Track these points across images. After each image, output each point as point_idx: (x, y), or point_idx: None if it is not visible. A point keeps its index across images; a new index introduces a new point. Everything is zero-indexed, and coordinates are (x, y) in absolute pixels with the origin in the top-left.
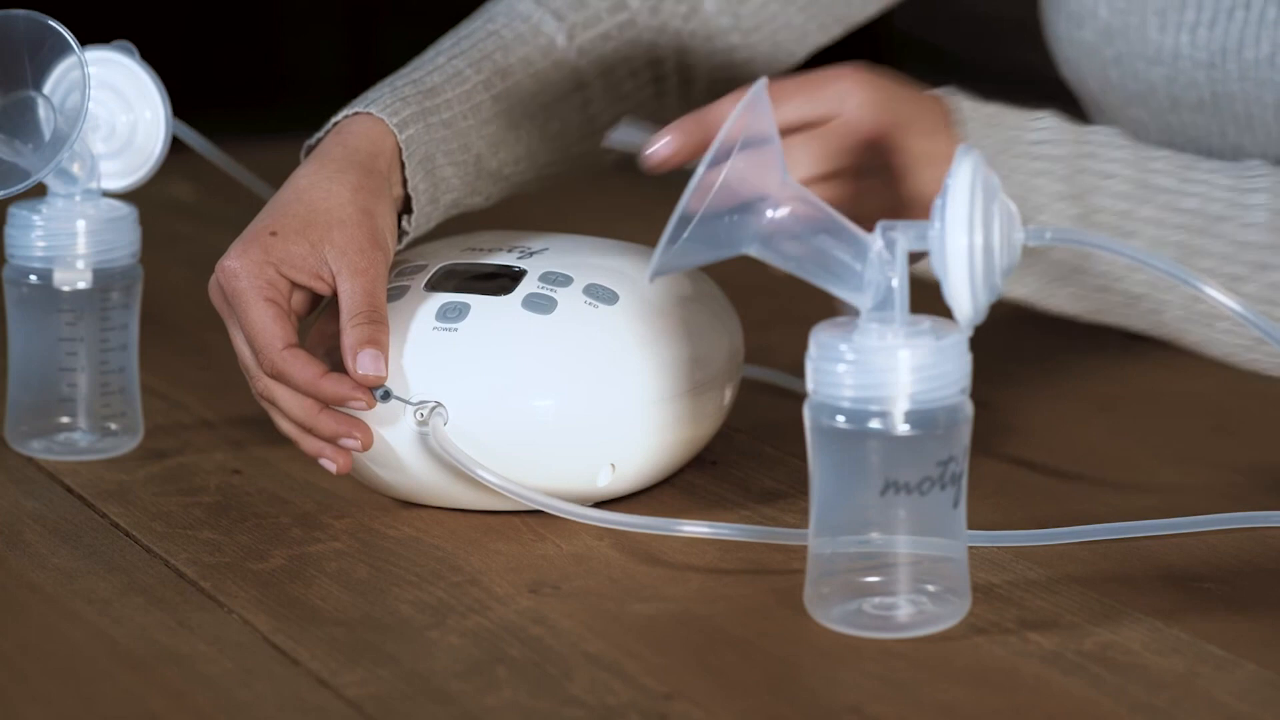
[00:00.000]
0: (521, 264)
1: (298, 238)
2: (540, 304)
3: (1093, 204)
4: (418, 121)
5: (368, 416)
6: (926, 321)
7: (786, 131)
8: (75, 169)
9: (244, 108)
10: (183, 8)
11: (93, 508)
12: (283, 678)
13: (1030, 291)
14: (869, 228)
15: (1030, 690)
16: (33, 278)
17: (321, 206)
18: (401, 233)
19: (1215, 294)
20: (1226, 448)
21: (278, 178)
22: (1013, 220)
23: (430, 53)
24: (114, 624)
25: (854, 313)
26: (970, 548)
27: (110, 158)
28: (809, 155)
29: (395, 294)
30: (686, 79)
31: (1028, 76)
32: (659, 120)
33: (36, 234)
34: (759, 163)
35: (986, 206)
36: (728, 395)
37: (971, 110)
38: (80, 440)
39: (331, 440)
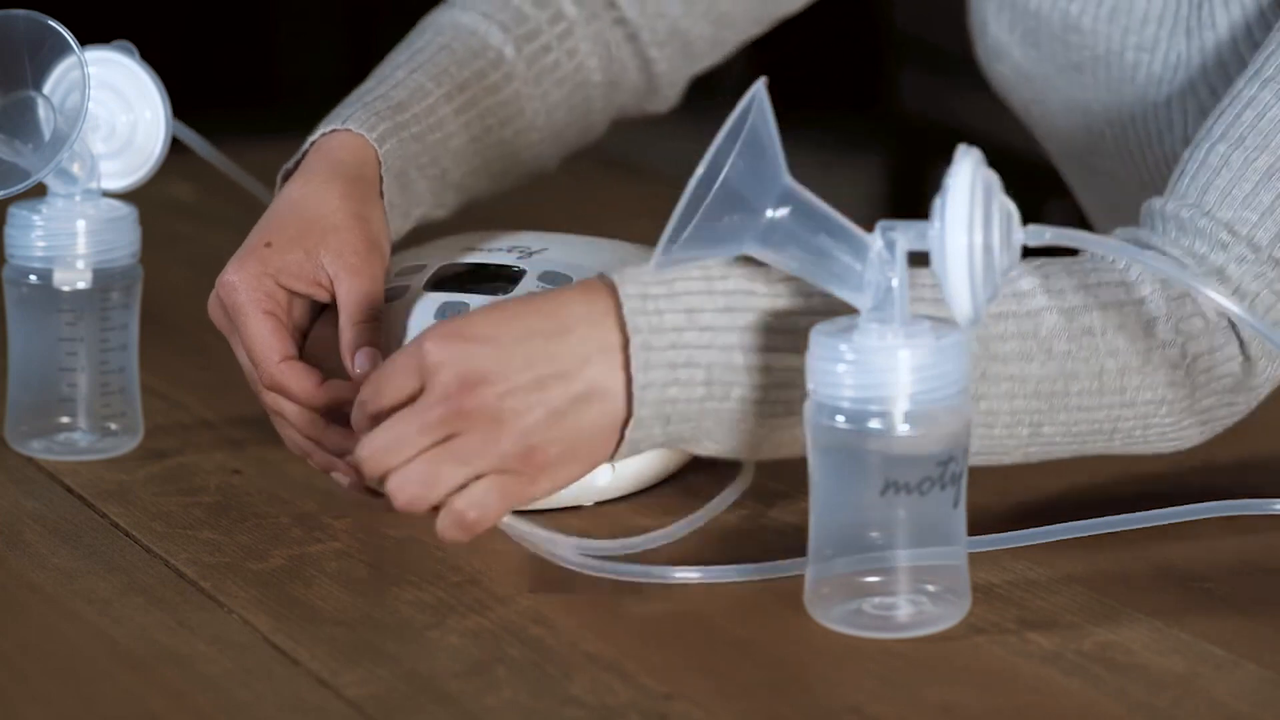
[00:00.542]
0: (520, 264)
1: (293, 246)
2: None
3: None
4: (392, 136)
5: None
6: (926, 321)
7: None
8: (75, 169)
9: (243, 108)
10: (183, 8)
11: (93, 508)
12: (283, 678)
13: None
14: None
15: (1030, 690)
16: (33, 278)
17: (315, 215)
18: None
19: (1216, 296)
20: (1219, 442)
21: (276, 178)
22: (1012, 220)
23: (387, 68)
24: (114, 624)
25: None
26: (970, 548)
27: (110, 158)
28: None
29: (395, 294)
30: (651, 73)
31: None
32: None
33: (36, 234)
34: (758, 163)
35: (986, 206)
36: None
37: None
38: (80, 440)
39: (340, 455)
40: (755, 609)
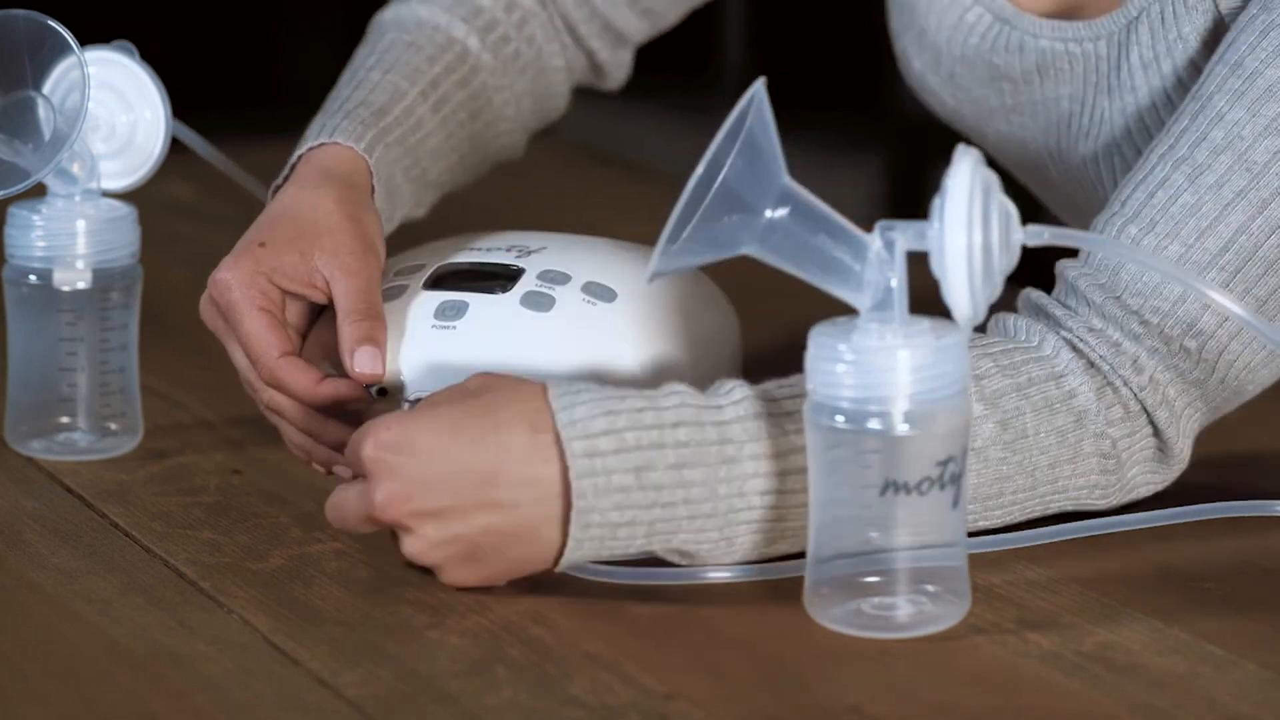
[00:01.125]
0: (520, 262)
1: (287, 248)
2: (539, 302)
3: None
4: (379, 143)
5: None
6: (926, 321)
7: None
8: (75, 169)
9: (243, 108)
10: (183, 8)
11: (93, 508)
12: (283, 678)
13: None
14: None
15: (1030, 690)
16: (32, 278)
17: (309, 218)
18: None
19: (1218, 297)
20: (1219, 442)
21: (276, 178)
22: (1011, 220)
23: (358, 71)
24: (114, 624)
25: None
26: (970, 548)
27: (110, 158)
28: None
29: (394, 293)
30: (594, 62)
31: None
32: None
33: (36, 234)
34: (757, 163)
35: (985, 206)
36: None
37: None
38: (80, 440)
39: (340, 450)
40: (755, 609)
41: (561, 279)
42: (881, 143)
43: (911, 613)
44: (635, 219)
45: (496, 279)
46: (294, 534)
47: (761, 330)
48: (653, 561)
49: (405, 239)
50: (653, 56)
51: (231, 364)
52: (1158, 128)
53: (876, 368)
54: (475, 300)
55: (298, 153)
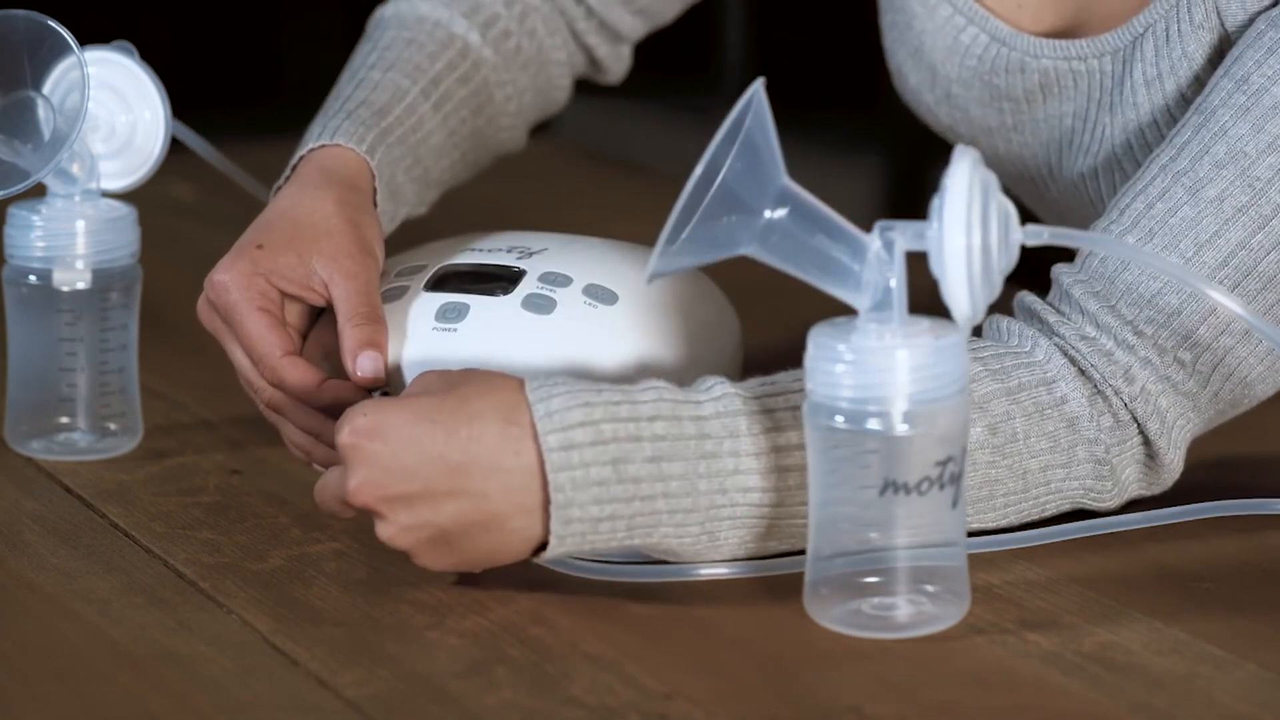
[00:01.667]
0: (521, 264)
1: (285, 249)
2: (540, 304)
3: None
4: (380, 144)
5: None
6: (925, 321)
7: None
8: (75, 169)
9: (244, 108)
10: (183, 8)
11: (92, 508)
12: (282, 678)
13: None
14: None
15: (1029, 690)
16: (32, 278)
17: (307, 220)
18: None
19: (1219, 297)
20: (1219, 442)
21: (277, 178)
22: (1010, 220)
23: (359, 71)
24: (114, 624)
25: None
26: (969, 548)
27: (110, 158)
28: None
29: (394, 294)
30: (593, 58)
31: None
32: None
33: (36, 234)
34: (756, 164)
35: (984, 206)
36: None
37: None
38: (80, 440)
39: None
40: (755, 609)
41: (563, 281)
42: (881, 143)
43: (911, 613)
44: (635, 219)
45: (497, 281)
46: (294, 534)
47: (761, 330)
48: (648, 560)
49: (406, 238)
50: (653, 56)
51: (231, 364)
52: (1158, 144)
53: (876, 368)
54: (476, 302)
55: (299, 153)
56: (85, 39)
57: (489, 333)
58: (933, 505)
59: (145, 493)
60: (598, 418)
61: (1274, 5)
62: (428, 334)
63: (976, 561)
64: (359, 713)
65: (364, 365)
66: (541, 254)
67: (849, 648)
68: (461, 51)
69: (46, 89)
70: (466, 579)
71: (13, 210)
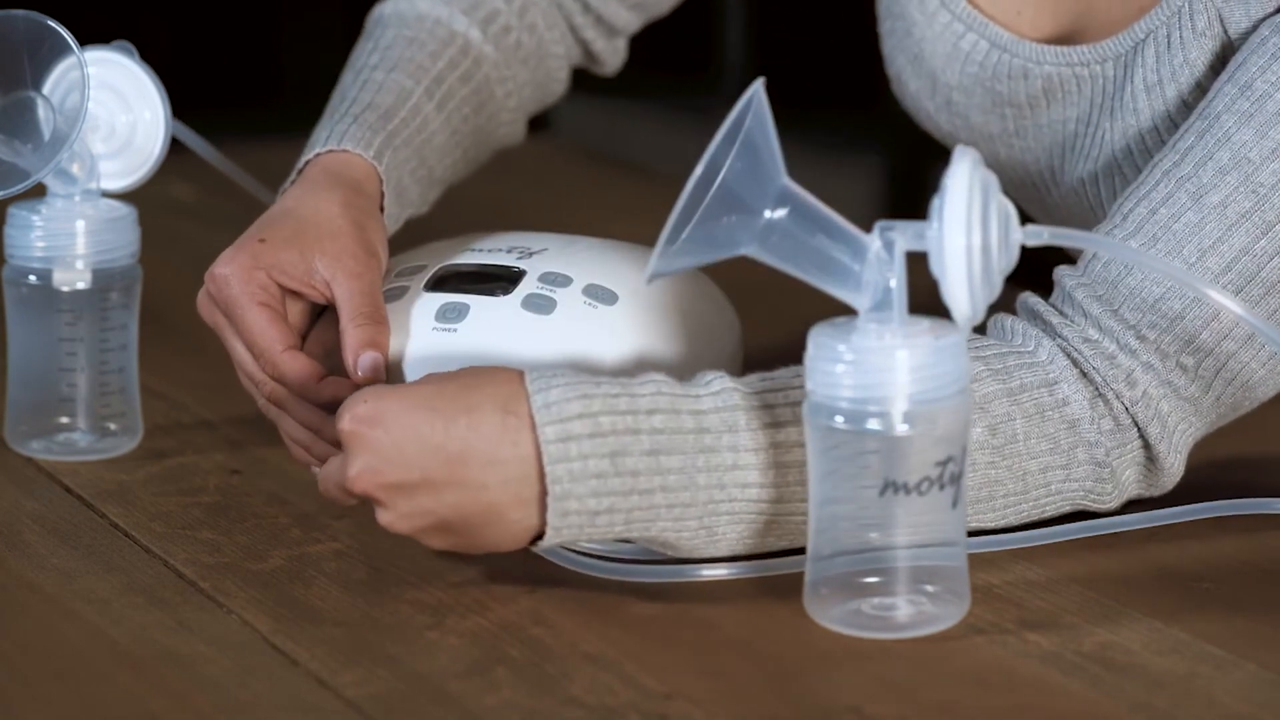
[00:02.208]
0: (521, 264)
1: (287, 246)
2: (540, 304)
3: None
4: (387, 148)
5: None
6: (925, 322)
7: None
8: (75, 169)
9: (244, 108)
10: (183, 8)
11: (92, 508)
12: (282, 678)
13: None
14: None
15: (1029, 690)
16: (32, 278)
17: (312, 220)
18: None
19: (1219, 297)
20: (1219, 442)
21: (277, 179)
22: (1010, 220)
23: (362, 71)
24: (114, 624)
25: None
26: (969, 548)
27: (110, 158)
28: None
29: (395, 294)
30: (589, 51)
31: None
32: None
33: (36, 234)
34: (756, 164)
35: (984, 206)
36: None
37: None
38: (80, 440)
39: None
40: (755, 609)
41: (563, 281)
42: (881, 143)
43: (911, 613)
44: (635, 219)
45: (498, 281)
46: (294, 534)
47: (761, 330)
48: (648, 558)
49: (407, 237)
50: (653, 56)
51: (231, 365)
52: (1159, 149)
53: (876, 368)
54: (476, 302)
55: (305, 157)
56: (85, 39)
57: (489, 333)
58: (933, 505)
59: (145, 493)
60: (596, 410)
61: (1278, 11)
62: (428, 334)
63: (976, 561)
64: (359, 713)
65: (364, 365)
66: (541, 254)
67: (849, 648)
68: (463, 49)
69: (46, 89)
70: (467, 580)
71: (13, 210)
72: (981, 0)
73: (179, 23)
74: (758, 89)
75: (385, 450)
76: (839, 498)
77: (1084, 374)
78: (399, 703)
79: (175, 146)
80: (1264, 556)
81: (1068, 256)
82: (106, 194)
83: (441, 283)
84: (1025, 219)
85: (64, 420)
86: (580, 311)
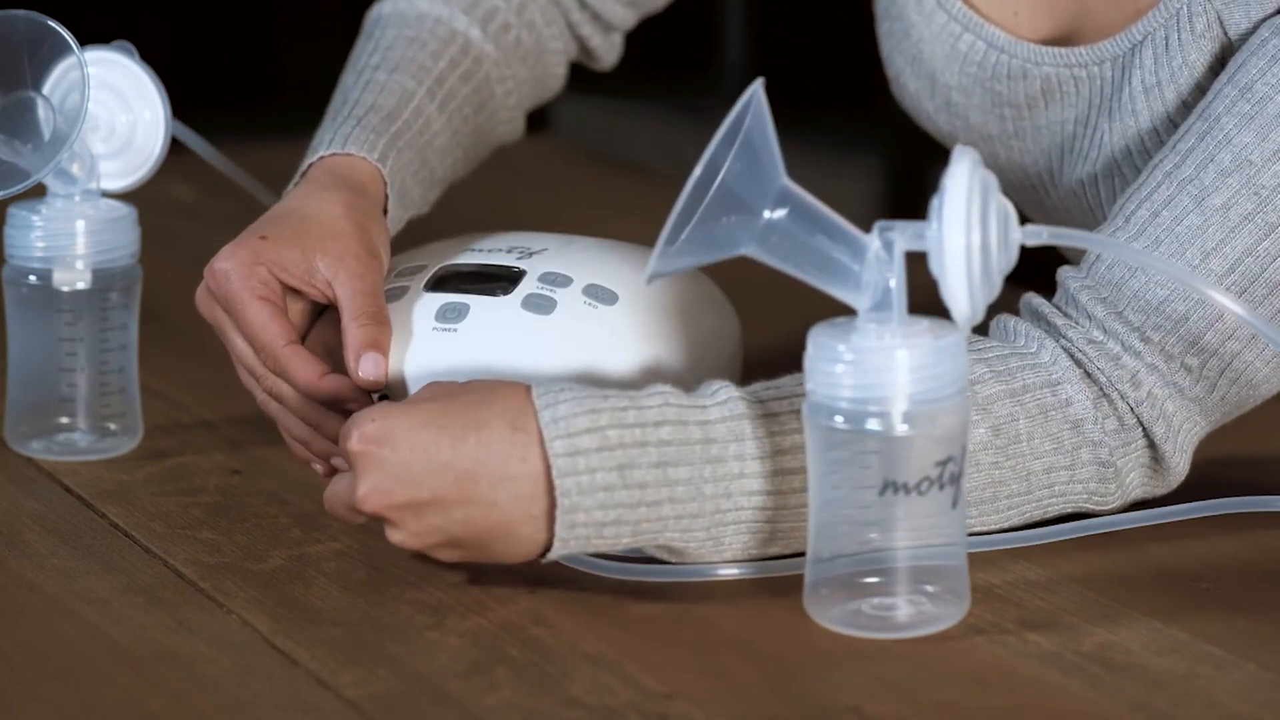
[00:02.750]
0: (521, 264)
1: (289, 244)
2: (540, 304)
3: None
4: (391, 150)
5: None
6: (924, 322)
7: None
8: (75, 169)
9: (244, 108)
10: (183, 8)
11: (92, 508)
12: (282, 678)
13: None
14: None
15: (1029, 690)
16: (32, 278)
17: (315, 219)
18: None
19: (1219, 297)
20: (1218, 442)
21: (277, 179)
22: (1010, 220)
23: (364, 72)
24: (114, 624)
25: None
26: (969, 548)
27: (110, 158)
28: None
29: (395, 294)
30: (586, 47)
31: None
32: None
33: (36, 234)
34: (755, 164)
35: (984, 206)
36: None
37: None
38: (80, 440)
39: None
40: (755, 609)
41: (563, 281)
42: (881, 143)
43: (911, 613)
44: (635, 219)
45: (498, 281)
46: (294, 534)
47: (761, 330)
48: (645, 558)
49: (407, 237)
50: (653, 56)
51: (231, 364)
52: (1157, 150)
53: (875, 368)
54: (476, 303)
55: (308, 160)
56: (85, 39)
57: (489, 333)
58: (933, 505)
59: (145, 493)
60: (604, 424)
61: (1278, 13)
62: (428, 334)
63: (976, 561)
64: (359, 713)
65: (366, 366)
66: (541, 254)
67: (849, 648)
68: (463, 48)
69: (46, 89)
70: (467, 580)
71: (13, 210)
72: (979, 1)
73: (179, 23)
74: (757, 89)
75: (394, 469)
76: (839, 498)
77: (1088, 375)
78: (399, 703)
79: (175, 146)
80: (1264, 556)
81: (1065, 257)
82: (106, 194)
83: (441, 283)
84: (1024, 220)
85: (64, 420)
86: (580, 311)
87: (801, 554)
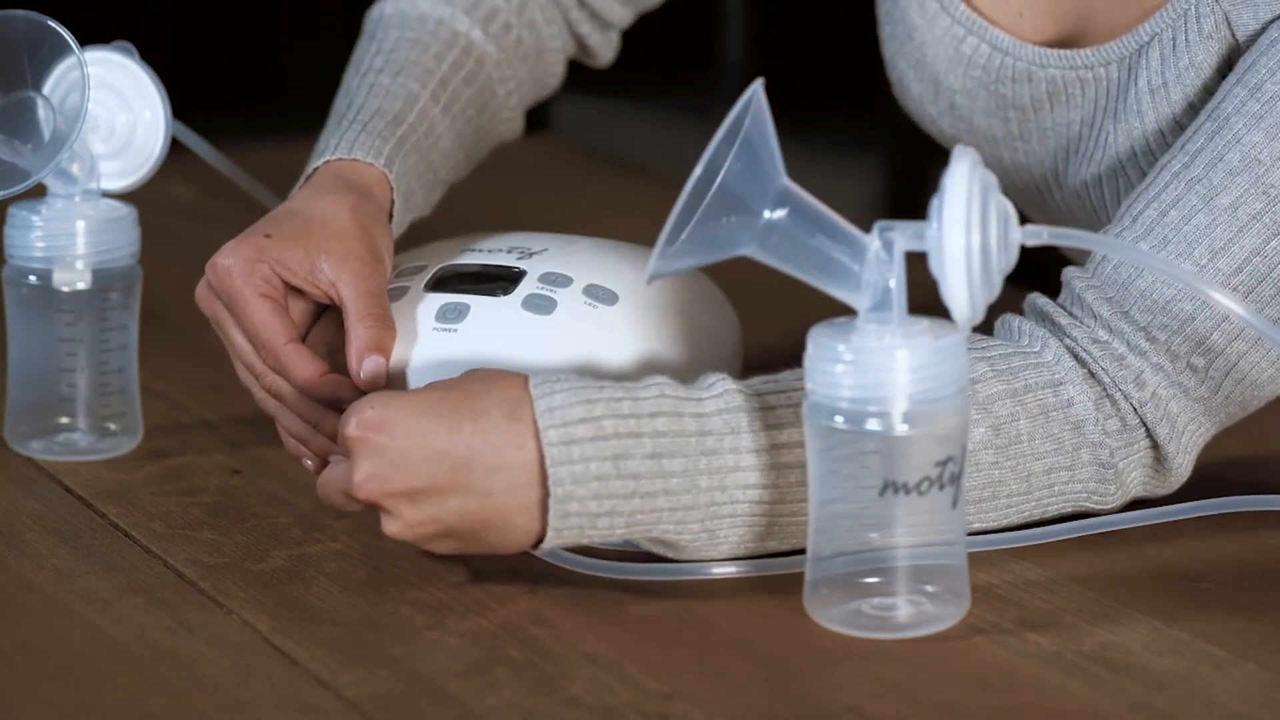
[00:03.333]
0: (521, 264)
1: (293, 244)
2: (540, 304)
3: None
4: (397, 155)
5: None
6: (924, 322)
7: None
8: (75, 169)
9: (244, 108)
10: (183, 8)
11: (92, 508)
12: (282, 678)
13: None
14: None
15: (1029, 690)
16: (32, 278)
17: (319, 220)
18: None
19: (1219, 297)
20: (1219, 441)
21: (277, 179)
22: (1010, 220)
23: (367, 75)
24: (114, 624)
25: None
26: (969, 548)
27: (110, 158)
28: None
29: (395, 294)
30: (584, 45)
31: None
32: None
33: (36, 234)
34: (755, 164)
35: (984, 206)
36: None
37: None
38: (80, 440)
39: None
40: (755, 609)
41: (563, 281)
42: (881, 143)
43: (911, 613)
44: (635, 219)
45: (498, 281)
46: (294, 534)
47: (761, 330)
48: (645, 557)
49: (407, 237)
50: (652, 56)
51: (231, 364)
52: (1162, 151)
53: (875, 368)
54: (477, 303)
55: (313, 164)
56: (85, 39)
57: (490, 333)
58: (933, 505)
59: (145, 493)
60: (599, 414)
61: None
62: (428, 334)
63: (976, 561)
64: (359, 713)
65: (368, 368)
66: (541, 254)
67: (849, 648)
68: (465, 49)
69: (46, 89)
70: (467, 579)
71: (13, 210)
72: (982, 4)
73: (179, 23)
74: (757, 89)
75: (391, 456)
76: (839, 498)
77: (1091, 375)
78: (399, 703)
79: (175, 146)
80: (1264, 556)
81: (1068, 258)
82: (106, 194)
83: (442, 283)
84: (1026, 222)
85: (64, 420)
86: (581, 311)
87: (798, 550)
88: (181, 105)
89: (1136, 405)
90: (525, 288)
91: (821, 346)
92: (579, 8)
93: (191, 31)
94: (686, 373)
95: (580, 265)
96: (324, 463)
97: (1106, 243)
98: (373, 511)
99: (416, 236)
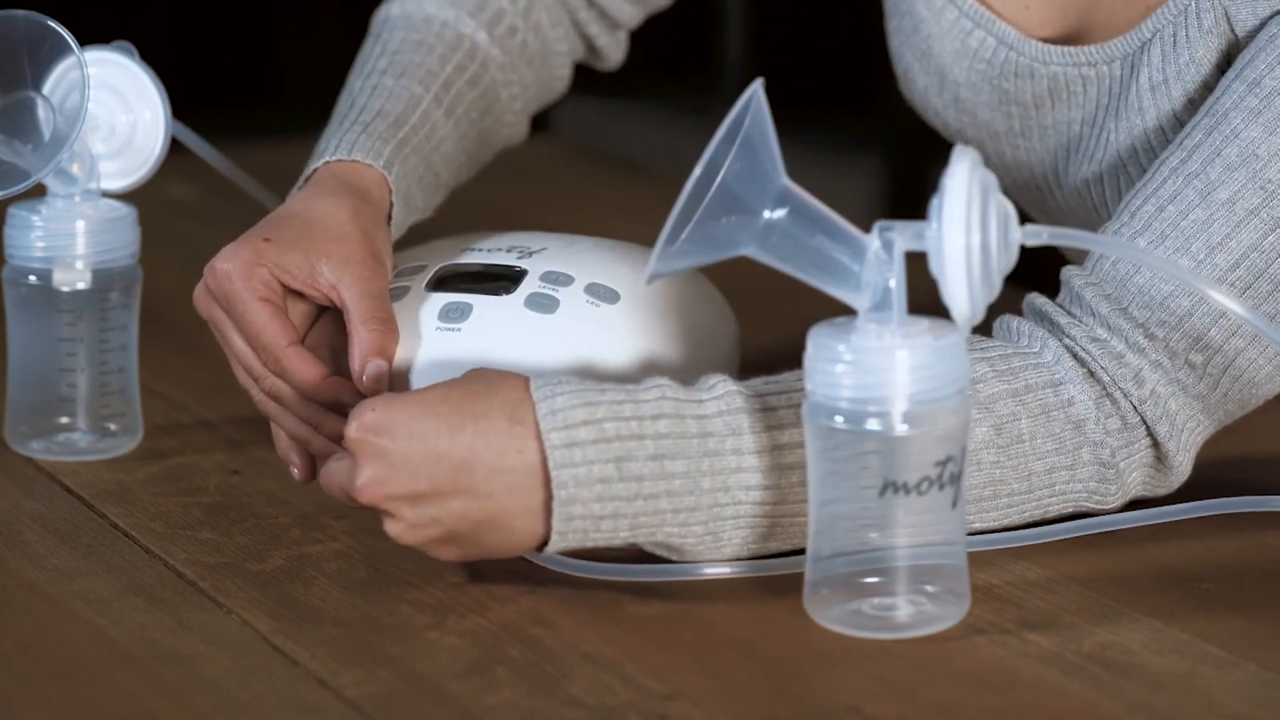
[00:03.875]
0: (522, 264)
1: (292, 247)
2: (543, 303)
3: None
4: (398, 157)
5: None
6: (924, 322)
7: None
8: (75, 169)
9: (244, 108)
10: (183, 8)
11: (92, 508)
12: (282, 678)
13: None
14: None
15: (1029, 690)
16: (32, 278)
17: (319, 223)
18: None
19: (1219, 296)
20: (1219, 441)
21: (277, 179)
22: (1009, 220)
23: (370, 76)
24: (114, 624)
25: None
26: (969, 548)
27: (110, 158)
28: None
29: (396, 294)
30: (592, 47)
31: None
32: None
33: (36, 234)
34: (755, 164)
35: (983, 206)
36: None
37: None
38: (80, 440)
39: (338, 440)
40: (755, 609)
41: (564, 280)
42: (881, 143)
43: (911, 613)
44: (635, 219)
45: (500, 280)
46: (294, 534)
47: (761, 330)
48: (643, 558)
49: (407, 236)
50: (653, 56)
51: (229, 361)
52: (1163, 149)
53: (875, 368)
54: (479, 302)
55: (313, 165)
56: (85, 39)
57: (492, 332)
58: (933, 505)
59: (145, 493)
60: (601, 416)
61: None
62: (432, 334)
63: (976, 561)
64: (359, 713)
65: (370, 372)
66: (542, 253)
67: (849, 648)
68: (470, 52)
69: (46, 89)
70: (467, 579)
71: (13, 210)
72: None
73: (179, 23)
74: (757, 89)
75: (392, 459)
76: (839, 498)
77: (1091, 374)
78: (399, 703)
79: (175, 146)
80: (1264, 556)
81: (1067, 258)
82: (106, 194)
83: (443, 282)
84: (1026, 221)
85: (64, 420)
86: (583, 310)
87: (800, 550)
88: (181, 105)
89: (1136, 403)
90: (527, 287)
91: (821, 346)
92: (587, 7)
93: (191, 31)
94: (685, 371)
95: (581, 264)
96: (313, 469)
97: (1107, 243)
98: (373, 512)
99: (417, 236)
